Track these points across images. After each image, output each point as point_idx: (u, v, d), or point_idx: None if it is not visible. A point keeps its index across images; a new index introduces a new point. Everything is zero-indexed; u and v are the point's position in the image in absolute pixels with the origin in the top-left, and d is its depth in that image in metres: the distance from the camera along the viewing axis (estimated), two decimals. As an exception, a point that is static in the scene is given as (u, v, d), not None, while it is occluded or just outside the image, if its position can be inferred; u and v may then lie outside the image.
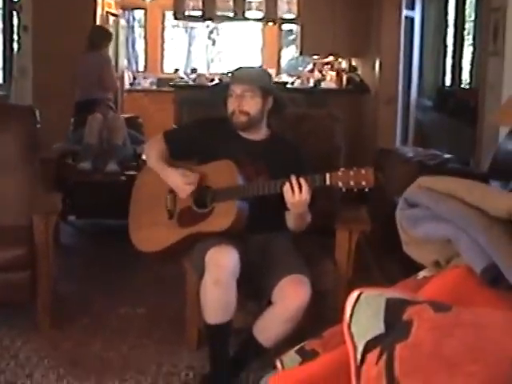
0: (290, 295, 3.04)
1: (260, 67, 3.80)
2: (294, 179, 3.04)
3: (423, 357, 1.01)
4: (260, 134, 3.49)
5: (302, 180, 3.03)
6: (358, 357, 1.10)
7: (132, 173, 5.44)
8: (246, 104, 3.37)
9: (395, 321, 1.09)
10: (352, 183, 2.95)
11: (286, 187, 3.05)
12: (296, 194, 3.03)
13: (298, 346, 1.40)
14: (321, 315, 3.25)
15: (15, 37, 8.59)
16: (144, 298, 4.46)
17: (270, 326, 3.13)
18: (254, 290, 3.23)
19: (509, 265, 1.43)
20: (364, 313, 1.13)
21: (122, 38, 10.55)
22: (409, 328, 1.06)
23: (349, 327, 1.13)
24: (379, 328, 1.09)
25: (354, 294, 1.16)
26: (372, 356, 1.06)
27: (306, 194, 3.03)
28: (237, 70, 3.54)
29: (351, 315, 1.14)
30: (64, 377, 3.39)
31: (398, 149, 6.48)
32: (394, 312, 1.10)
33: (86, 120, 6.43)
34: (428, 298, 1.22)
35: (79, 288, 4.64)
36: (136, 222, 3.57)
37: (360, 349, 1.10)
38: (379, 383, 1.03)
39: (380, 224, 3.76)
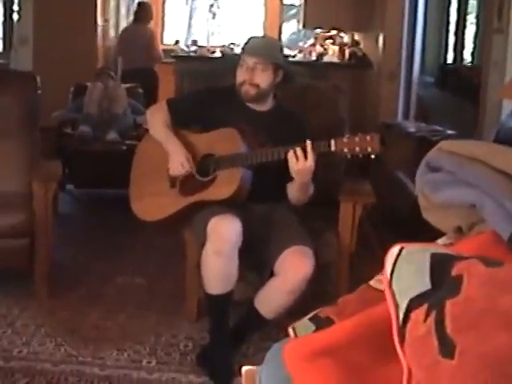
0: (294, 266, 2.98)
1: (273, 38, 3.69)
2: (298, 147, 2.97)
3: (477, 313, 0.94)
4: (266, 105, 3.43)
5: (308, 146, 2.96)
6: (401, 316, 1.03)
7: (132, 142, 5.35)
8: (257, 77, 3.30)
9: (443, 276, 1.01)
10: (357, 149, 2.89)
11: (291, 153, 2.99)
12: (301, 161, 2.97)
13: (312, 314, 1.33)
14: (325, 288, 3.21)
15: (15, 7, 8.48)
16: (143, 267, 4.41)
17: (271, 298, 3.06)
18: (255, 261, 3.16)
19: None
20: (407, 268, 1.05)
21: (123, 9, 10.41)
22: (459, 284, 0.99)
23: (390, 285, 1.06)
24: (425, 284, 1.02)
25: (395, 249, 1.08)
26: (418, 314, 0.99)
27: (311, 161, 2.97)
28: (250, 39, 3.43)
29: (392, 272, 1.06)
30: (61, 345, 3.34)
31: (400, 123, 6.43)
32: (440, 267, 1.02)
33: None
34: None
35: (77, 257, 4.59)
36: (137, 191, 3.50)
37: (403, 307, 1.03)
38: (429, 342, 0.96)
39: (380, 198, 3.70)
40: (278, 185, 3.24)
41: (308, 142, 2.97)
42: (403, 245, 1.09)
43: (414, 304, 1.01)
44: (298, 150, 2.98)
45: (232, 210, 3.05)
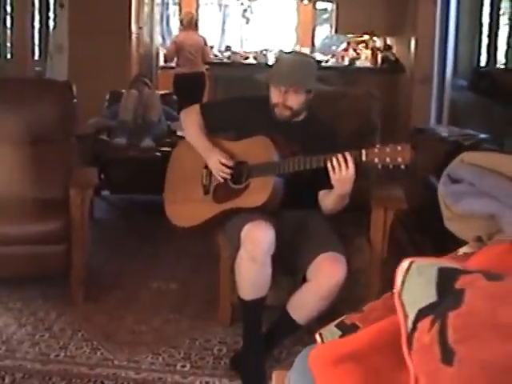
0: (326, 273, 3.00)
1: (304, 58, 3.60)
2: (339, 154, 2.98)
3: (477, 325, 0.99)
4: (299, 116, 3.44)
5: (347, 155, 2.97)
6: (409, 325, 1.08)
7: (167, 149, 5.40)
8: (290, 100, 3.31)
9: (448, 289, 1.07)
10: (388, 160, 2.90)
11: (332, 162, 2.99)
12: (343, 170, 2.98)
13: (338, 320, 1.37)
14: (355, 293, 3.22)
15: (51, 14, 8.60)
16: (177, 273, 4.46)
17: (304, 303, 3.09)
18: (288, 267, 3.19)
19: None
20: (416, 281, 1.10)
21: (156, 15, 10.51)
22: (461, 296, 1.04)
23: (399, 296, 1.11)
24: (431, 296, 1.07)
25: (405, 263, 1.13)
26: (424, 324, 1.05)
27: (352, 170, 2.98)
28: (281, 63, 3.38)
29: (402, 284, 1.11)
30: (98, 349, 3.39)
31: (432, 128, 6.40)
32: (446, 280, 1.08)
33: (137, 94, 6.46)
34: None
35: (113, 262, 4.65)
36: (171, 197, 3.55)
37: (411, 317, 1.08)
38: (432, 350, 1.01)
39: (414, 203, 3.70)
40: (311, 192, 3.27)
41: (347, 153, 2.98)
42: (413, 259, 1.14)
43: (421, 314, 1.07)
44: (338, 159, 2.98)
45: (265, 217, 3.09)
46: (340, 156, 2.98)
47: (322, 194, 3.26)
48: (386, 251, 3.48)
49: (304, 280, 3.10)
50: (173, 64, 9.47)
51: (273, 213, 3.18)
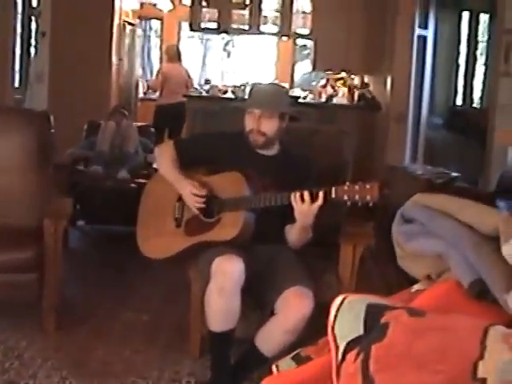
0: (293, 306, 3.06)
1: (277, 86, 3.83)
2: (306, 191, 3.08)
3: (395, 356, 1.08)
4: (272, 149, 3.54)
5: (316, 192, 3.07)
6: (339, 356, 1.17)
7: (142, 180, 5.46)
8: (263, 125, 3.42)
9: (374, 323, 1.15)
10: (357, 197, 2.98)
11: (294, 197, 3.10)
12: (306, 202, 3.07)
13: (294, 353, 1.45)
14: (323, 327, 3.27)
15: (33, 42, 8.67)
16: (149, 304, 4.50)
17: (272, 336, 3.15)
18: (257, 300, 3.25)
19: (495, 280, 1.48)
20: (346, 316, 1.20)
21: (137, 47, 10.63)
22: (385, 330, 1.13)
23: (332, 329, 1.20)
24: (359, 330, 1.17)
25: (339, 299, 1.23)
26: (351, 355, 1.13)
27: (316, 205, 3.07)
28: (255, 88, 3.56)
29: (335, 318, 1.20)
30: (67, 378, 3.42)
31: (406, 166, 6.51)
32: (373, 316, 1.17)
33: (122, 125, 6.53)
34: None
35: (85, 292, 4.68)
36: (144, 229, 3.61)
37: (341, 349, 1.17)
38: (355, 379, 1.10)
39: (385, 238, 3.79)
40: (281, 227, 3.36)
41: (306, 193, 3.09)
42: (346, 295, 1.23)
43: (349, 346, 1.15)
44: (302, 194, 3.08)
45: (236, 251, 3.15)
46: (305, 192, 3.08)
47: (287, 227, 3.35)
48: (355, 285, 3.55)
49: (272, 314, 3.16)
50: (154, 96, 9.61)
51: (243, 247, 3.24)
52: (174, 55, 9.52)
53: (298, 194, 3.09)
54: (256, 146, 3.46)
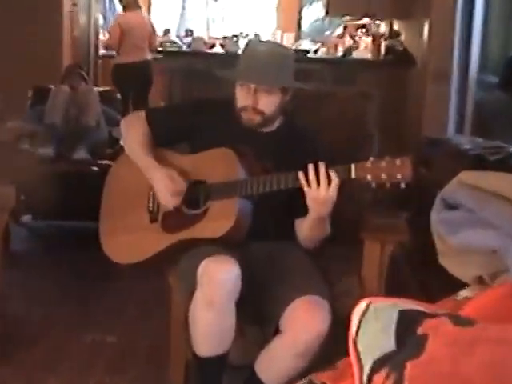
0: (304, 322, 3.04)
1: (279, 47, 3.67)
2: (321, 167, 3.02)
3: (437, 376, 1.07)
4: (272, 125, 3.52)
5: (330, 171, 3.02)
6: (365, 378, 1.16)
7: (106, 162, 5.48)
8: (261, 102, 3.37)
9: (408, 335, 1.14)
10: (384, 176, 2.93)
11: (309, 177, 3.03)
12: (322, 188, 3.02)
13: (306, 380, 1.45)
14: (342, 344, 3.27)
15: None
16: (117, 322, 4.51)
17: (276, 362, 3.14)
18: (257, 314, 3.25)
19: None
20: (373, 326, 1.18)
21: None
22: (423, 344, 1.12)
23: (355, 344, 1.19)
24: (389, 344, 1.15)
25: (362, 305, 1.21)
26: (379, 377, 1.13)
27: (333, 189, 3.03)
28: (249, 54, 3.46)
29: (358, 329, 1.19)
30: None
31: (450, 139, 6.50)
32: (407, 325, 1.16)
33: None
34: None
35: (34, 308, 4.68)
36: (109, 226, 3.61)
37: (367, 369, 1.16)
38: None
39: (422, 232, 3.79)
40: (286, 219, 3.35)
41: (321, 164, 3.03)
42: (371, 299, 1.22)
43: (376, 366, 1.14)
44: (319, 171, 3.02)
45: (228, 251, 3.13)
46: (322, 169, 3.01)
47: (298, 221, 3.34)
48: (385, 292, 3.54)
49: (277, 332, 3.15)
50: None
51: (238, 245, 3.24)
52: (132, 1, 9.60)
53: (311, 173, 3.03)
54: (250, 125, 3.43)
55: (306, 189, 3.06)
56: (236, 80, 3.42)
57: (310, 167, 3.03)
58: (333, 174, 3.02)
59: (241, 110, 3.41)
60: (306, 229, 3.31)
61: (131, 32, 9.33)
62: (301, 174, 3.05)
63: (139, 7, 9.68)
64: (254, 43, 3.73)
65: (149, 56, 9.46)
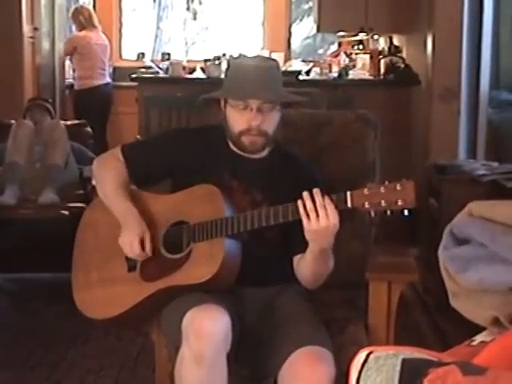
0: (304, 377, 3.02)
1: (267, 59, 3.66)
2: (317, 195, 3.01)
3: None
4: (263, 150, 3.53)
5: (326, 198, 3.01)
6: None
7: (77, 205, 5.48)
8: (265, 122, 3.38)
9: None
10: (384, 203, 2.93)
11: (306, 209, 3.03)
12: (321, 217, 3.02)
13: None
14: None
15: None
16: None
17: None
18: (252, 369, 3.25)
19: None
20: (374, 378, 1.17)
21: (61, 11, 10.60)
22: None
23: None
24: None
25: (362, 355, 1.20)
26: None
27: (333, 217, 3.01)
28: (236, 69, 3.49)
29: (357, 382, 1.18)
30: None
31: (461, 164, 6.51)
32: (411, 376, 1.14)
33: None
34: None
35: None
36: (82, 277, 3.59)
37: None
38: None
39: (436, 272, 3.79)
40: (281, 259, 3.35)
41: (316, 191, 3.02)
42: (371, 348, 1.21)
43: None
44: (309, 203, 3.01)
45: (216, 298, 3.13)
46: (317, 196, 3.01)
47: (296, 258, 3.34)
48: (394, 339, 3.54)
49: (275, 388, 3.15)
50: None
51: (227, 291, 3.24)
52: (88, 19, 9.94)
53: (308, 202, 2.99)
54: (252, 150, 3.45)
55: (304, 220, 3.05)
56: (232, 100, 3.41)
57: (306, 196, 3.03)
58: (329, 202, 3.01)
59: (241, 133, 3.41)
60: (307, 265, 3.29)
61: (90, 53, 9.72)
62: (300, 204, 3.04)
63: (95, 26, 10.06)
64: (241, 59, 3.74)
65: (108, 78, 9.76)
